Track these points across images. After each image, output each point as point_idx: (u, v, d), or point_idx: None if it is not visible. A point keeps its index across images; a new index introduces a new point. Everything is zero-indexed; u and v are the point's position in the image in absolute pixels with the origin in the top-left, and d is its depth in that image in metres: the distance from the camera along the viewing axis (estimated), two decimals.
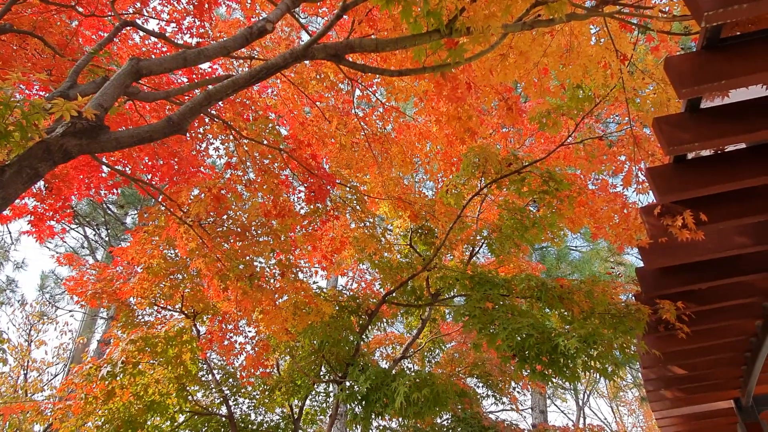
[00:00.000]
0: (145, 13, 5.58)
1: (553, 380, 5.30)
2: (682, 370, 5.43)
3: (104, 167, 5.41)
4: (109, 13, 5.13)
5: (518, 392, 11.38)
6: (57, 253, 16.45)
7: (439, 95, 5.73)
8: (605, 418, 22.21)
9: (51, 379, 14.75)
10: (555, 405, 20.91)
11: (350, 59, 3.60)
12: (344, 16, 5.55)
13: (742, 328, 4.94)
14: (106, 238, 16.47)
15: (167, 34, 5.55)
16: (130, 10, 5.57)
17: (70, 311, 16.00)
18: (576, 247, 17.43)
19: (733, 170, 2.97)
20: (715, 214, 3.22)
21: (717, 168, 3.00)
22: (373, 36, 4.94)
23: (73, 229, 16.06)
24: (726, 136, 2.69)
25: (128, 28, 4.86)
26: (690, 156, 3.09)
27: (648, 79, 4.16)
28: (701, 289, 4.43)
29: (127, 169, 5.90)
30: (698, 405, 6.07)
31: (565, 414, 21.21)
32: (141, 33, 5.51)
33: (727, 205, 3.27)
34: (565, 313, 5.82)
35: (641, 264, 4.10)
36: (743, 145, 3.02)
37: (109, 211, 16.30)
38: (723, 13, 2.15)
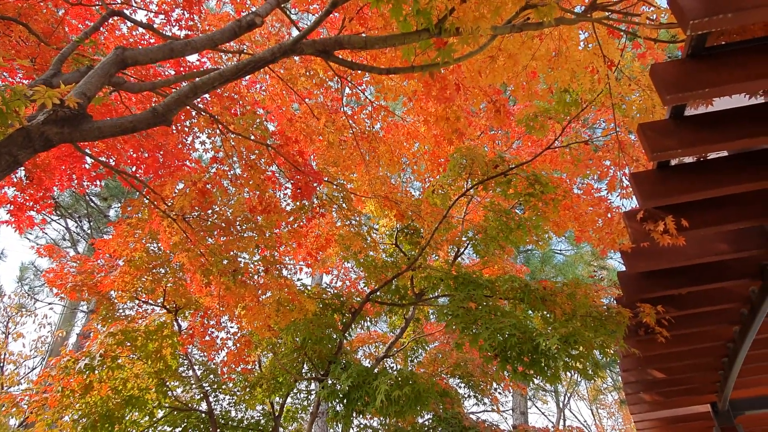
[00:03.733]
0: (134, 4, 5.51)
1: (534, 381, 5.34)
2: (661, 374, 5.50)
3: (87, 158, 5.34)
4: (97, 2, 5.06)
5: (500, 393, 11.44)
6: (37, 244, 16.21)
7: (428, 95, 5.74)
8: (585, 421, 22.45)
9: (28, 373, 14.54)
10: (536, 407, 21.06)
11: (339, 56, 3.57)
12: (335, 14, 5.54)
13: (720, 333, 5.02)
14: (89, 231, 16.26)
15: (155, 26, 5.48)
16: (118, 0, 5.50)
17: (50, 304, 15.78)
18: (560, 250, 17.59)
19: (714, 177, 3.01)
20: (696, 220, 3.27)
21: (699, 175, 3.04)
22: (363, 34, 4.94)
23: (54, 220, 15.83)
24: (709, 143, 2.73)
25: (116, 17, 4.80)
26: (673, 162, 3.13)
27: (634, 85, 4.20)
28: (681, 294, 4.50)
29: (111, 160, 5.82)
30: (676, 408, 6.16)
31: (545, 416, 21.38)
32: (129, 23, 5.44)
33: (708, 212, 3.32)
34: (548, 314, 5.87)
35: (623, 268, 4.15)
36: (725, 153, 3.07)
37: (91, 203, 16.09)
38: (708, 22, 2.18)
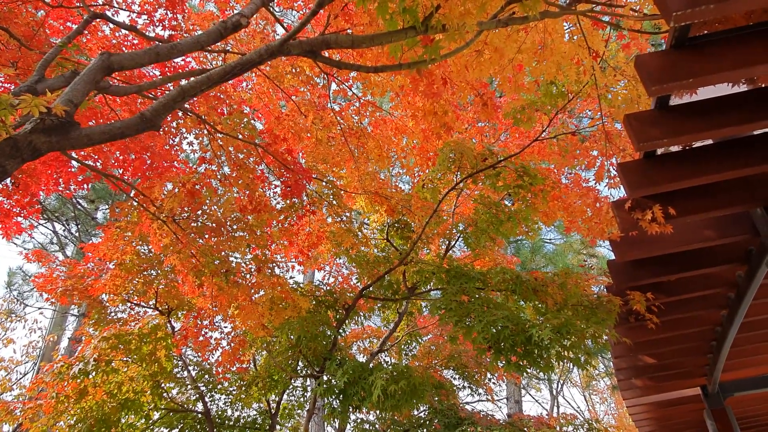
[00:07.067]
0: (115, 4, 5.44)
1: (528, 371, 5.39)
2: (652, 359, 5.58)
3: (74, 162, 5.28)
4: (78, 4, 4.99)
5: (494, 383, 11.56)
6: (25, 249, 16.03)
7: (415, 90, 5.74)
8: (578, 407, 22.72)
9: (20, 379, 14.42)
10: (530, 395, 21.29)
11: (326, 54, 3.56)
12: (319, 11, 5.51)
13: (708, 318, 5.10)
14: (77, 234, 16.10)
15: (138, 27, 5.43)
16: (100, 1, 5.43)
17: (40, 309, 15.63)
18: (550, 239, 17.71)
19: (700, 166, 3.05)
20: (683, 208, 3.32)
21: (685, 163, 3.08)
22: (349, 31, 4.93)
23: (41, 224, 15.65)
24: (694, 132, 2.76)
25: (98, 19, 4.74)
26: (659, 152, 3.17)
27: (619, 75, 4.24)
28: (670, 280, 4.56)
29: (98, 163, 5.77)
30: (667, 393, 6.26)
31: (539, 403, 21.62)
32: (111, 25, 5.37)
33: (694, 200, 3.37)
34: (540, 305, 5.92)
35: (613, 256, 4.20)
36: (710, 141, 3.11)
37: (79, 206, 15.92)
38: (691, 13, 2.20)
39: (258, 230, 5.92)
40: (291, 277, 7.39)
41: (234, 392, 8.18)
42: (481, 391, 11.00)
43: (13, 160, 2.01)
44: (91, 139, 2.20)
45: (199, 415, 7.76)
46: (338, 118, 6.72)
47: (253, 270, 6.01)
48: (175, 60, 5.92)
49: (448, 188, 6.82)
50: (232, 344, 7.16)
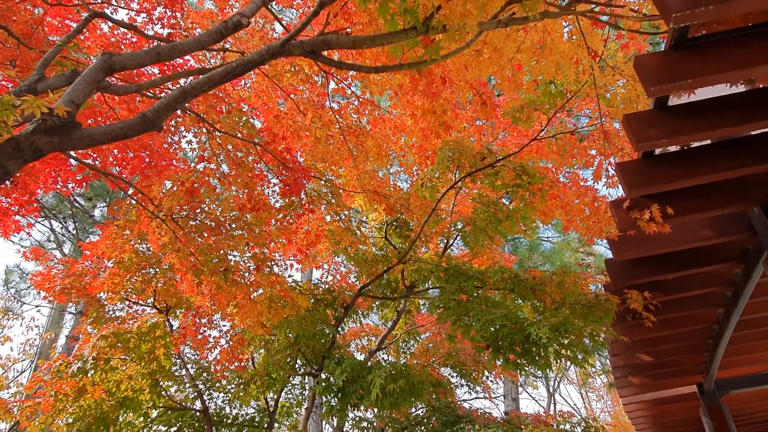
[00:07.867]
0: (114, 2, 5.43)
1: (526, 369, 5.42)
2: (649, 357, 5.62)
3: (72, 160, 5.28)
4: (77, 2, 4.98)
5: (491, 381, 11.58)
6: (22, 247, 16.00)
7: (415, 89, 5.74)
8: (575, 404, 22.79)
9: (17, 376, 14.41)
10: (527, 392, 21.35)
11: (325, 54, 3.56)
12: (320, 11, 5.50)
13: (705, 316, 5.13)
14: (74, 231, 16.07)
15: (137, 25, 5.42)
16: None
17: (37, 306, 15.60)
18: (547, 238, 17.75)
19: (697, 166, 3.07)
20: (681, 207, 3.34)
21: (683, 163, 3.11)
22: (348, 30, 4.93)
23: (39, 222, 15.62)
24: (692, 132, 2.78)
25: (97, 18, 4.73)
26: (658, 152, 3.19)
27: (618, 75, 4.25)
28: (667, 279, 4.59)
29: (97, 162, 5.76)
30: (663, 390, 6.29)
31: (536, 401, 21.70)
32: (110, 23, 5.36)
33: (692, 199, 3.39)
34: (538, 303, 5.95)
35: (610, 255, 4.22)
36: (708, 142, 3.13)
37: (76, 204, 15.89)
38: (690, 14, 2.22)
39: (257, 229, 5.92)
40: (290, 276, 7.40)
41: (232, 390, 8.18)
42: (478, 388, 11.03)
43: (15, 161, 2.01)
44: (93, 139, 2.20)
45: (198, 413, 7.76)
46: (337, 116, 6.72)
47: (251, 268, 6.02)
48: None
49: (447, 187, 6.84)
50: (231, 342, 7.16)
